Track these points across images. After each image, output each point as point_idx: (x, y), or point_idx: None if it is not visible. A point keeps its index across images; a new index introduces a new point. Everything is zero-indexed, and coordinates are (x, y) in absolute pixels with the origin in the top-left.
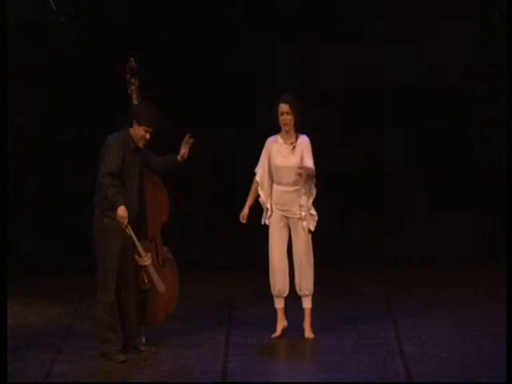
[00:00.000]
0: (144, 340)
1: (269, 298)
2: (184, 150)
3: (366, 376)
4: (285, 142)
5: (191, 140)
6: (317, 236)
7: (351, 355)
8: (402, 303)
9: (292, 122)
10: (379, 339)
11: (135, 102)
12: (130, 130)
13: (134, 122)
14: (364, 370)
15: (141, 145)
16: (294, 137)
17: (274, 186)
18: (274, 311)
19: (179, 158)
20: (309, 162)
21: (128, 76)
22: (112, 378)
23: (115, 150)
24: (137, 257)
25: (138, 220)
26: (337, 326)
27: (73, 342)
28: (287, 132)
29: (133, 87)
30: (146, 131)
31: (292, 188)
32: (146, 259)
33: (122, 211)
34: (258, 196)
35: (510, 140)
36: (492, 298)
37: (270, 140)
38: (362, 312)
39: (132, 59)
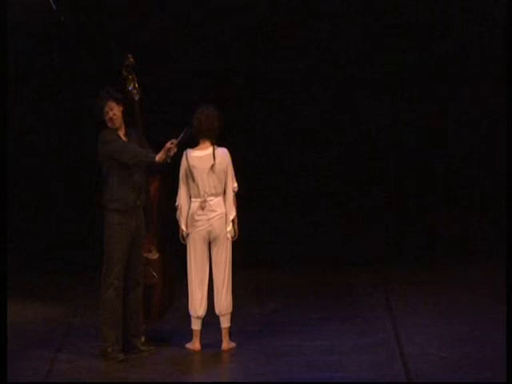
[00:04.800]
0: (144, 340)
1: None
2: (163, 156)
3: (366, 376)
4: None
5: (174, 149)
6: (317, 236)
7: (351, 355)
8: (402, 303)
9: None
10: (379, 339)
11: (136, 98)
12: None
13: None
14: (364, 370)
15: (112, 125)
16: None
17: None
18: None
19: (158, 158)
20: None
21: (126, 73)
22: (112, 377)
23: (109, 141)
24: (145, 253)
25: (145, 216)
26: (336, 325)
27: (73, 342)
28: None
29: (132, 84)
30: (105, 113)
31: None
32: (154, 253)
33: (159, 156)
34: None
35: (509, 140)
36: (492, 297)
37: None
38: (362, 312)
39: (130, 56)
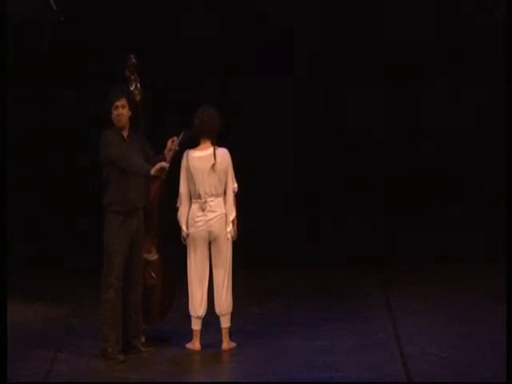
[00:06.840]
0: (144, 340)
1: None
2: (163, 165)
3: (366, 376)
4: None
5: (176, 147)
6: (317, 236)
7: (351, 355)
8: (402, 303)
9: None
10: (379, 339)
11: (137, 98)
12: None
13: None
14: (364, 370)
15: (117, 123)
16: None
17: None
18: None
19: (152, 172)
20: None
21: (128, 73)
22: (112, 377)
23: (111, 144)
24: (144, 254)
25: (146, 218)
26: (337, 325)
27: (72, 342)
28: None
29: (134, 84)
30: (115, 107)
31: None
32: (153, 254)
33: (154, 171)
34: None
35: (509, 140)
36: (492, 298)
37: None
38: (361, 312)
39: (132, 56)
